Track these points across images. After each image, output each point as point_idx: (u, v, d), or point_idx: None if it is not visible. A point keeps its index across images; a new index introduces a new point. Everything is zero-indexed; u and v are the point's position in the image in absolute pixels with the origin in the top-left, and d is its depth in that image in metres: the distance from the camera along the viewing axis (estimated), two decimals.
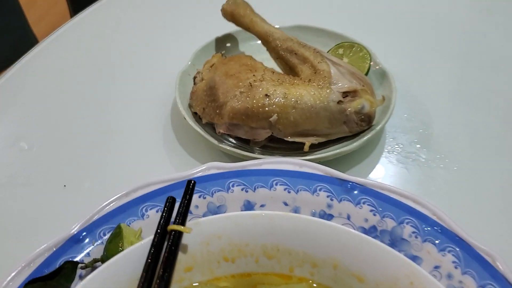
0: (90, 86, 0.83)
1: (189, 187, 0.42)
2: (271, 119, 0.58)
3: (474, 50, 0.87)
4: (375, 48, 0.75)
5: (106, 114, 0.77)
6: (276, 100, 0.58)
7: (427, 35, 0.91)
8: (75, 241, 0.50)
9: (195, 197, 0.53)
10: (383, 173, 0.64)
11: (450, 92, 0.78)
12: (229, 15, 0.74)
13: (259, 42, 0.74)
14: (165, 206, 0.40)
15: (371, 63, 0.72)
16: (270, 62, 0.72)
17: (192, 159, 0.66)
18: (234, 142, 0.64)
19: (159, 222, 0.40)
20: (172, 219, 0.42)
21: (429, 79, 0.80)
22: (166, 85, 0.76)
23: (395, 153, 0.66)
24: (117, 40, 0.94)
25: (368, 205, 0.52)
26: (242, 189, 0.54)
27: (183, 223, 0.40)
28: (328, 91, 0.59)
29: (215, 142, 0.61)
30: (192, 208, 0.53)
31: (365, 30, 0.88)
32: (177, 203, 0.45)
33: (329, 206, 0.52)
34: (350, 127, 0.61)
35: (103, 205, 0.52)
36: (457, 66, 0.83)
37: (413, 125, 0.70)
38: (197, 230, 0.40)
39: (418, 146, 0.67)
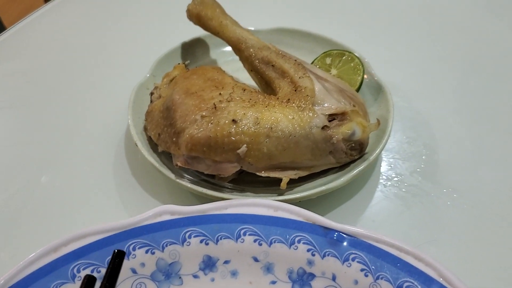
0: (31, 99, 0.73)
1: (115, 261, 0.32)
2: (239, 151, 0.48)
3: (485, 58, 0.79)
4: (369, 56, 0.66)
5: (43, 134, 0.68)
6: (246, 127, 0.48)
7: (429, 41, 0.83)
8: None
9: (141, 252, 0.44)
10: (378, 214, 0.55)
11: (459, 109, 0.69)
12: (195, 17, 0.65)
13: None
14: None
15: (365, 76, 0.62)
16: (245, 72, 0.64)
17: (147, 195, 0.57)
18: (197, 174, 0.55)
19: None
20: None
21: (433, 93, 0.72)
22: (122, 100, 0.66)
23: (392, 186, 0.57)
24: (70, 44, 0.84)
25: (358, 262, 0.43)
26: (201, 241, 0.45)
27: None
28: (310, 114, 0.50)
29: (173, 176, 0.52)
30: (137, 266, 0.44)
31: (358, 35, 0.80)
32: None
33: (310, 262, 0.44)
34: (338, 158, 0.52)
35: (22, 264, 0.42)
36: (465, 78, 0.75)
37: (415, 150, 0.62)
38: None
39: (420, 178, 0.58)
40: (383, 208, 0.55)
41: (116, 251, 0.32)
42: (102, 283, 0.31)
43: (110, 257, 0.44)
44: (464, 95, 0.71)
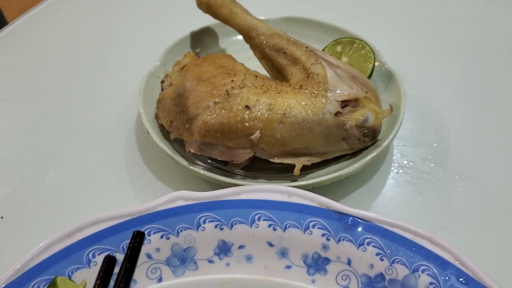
0: (38, 89, 0.73)
1: (135, 242, 0.32)
2: (252, 137, 0.48)
3: (495, 45, 0.78)
4: (380, 44, 0.66)
5: (54, 124, 0.68)
6: (259, 113, 0.48)
7: (437, 29, 0.83)
8: None
9: (156, 237, 0.44)
10: (390, 200, 0.55)
11: (468, 96, 0.69)
12: (205, 5, 0.65)
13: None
14: (100, 271, 0.31)
15: (376, 63, 0.62)
16: (255, 61, 0.63)
17: (159, 183, 0.57)
18: (210, 161, 0.55)
19: None
20: None
21: (442, 81, 0.72)
22: (132, 89, 0.66)
23: (404, 173, 0.57)
24: (78, 34, 0.84)
25: (374, 246, 0.43)
26: (216, 226, 0.45)
27: None
28: (323, 100, 0.50)
29: (185, 163, 0.52)
30: (152, 251, 0.44)
31: (368, 23, 0.80)
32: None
33: (325, 247, 0.44)
34: (351, 144, 0.52)
35: (37, 249, 0.42)
36: (474, 65, 0.75)
37: (426, 137, 0.61)
38: None
39: (432, 164, 0.58)
40: (395, 195, 0.55)
41: (135, 232, 0.32)
42: (122, 263, 0.31)
43: (125, 242, 0.44)
44: (473, 83, 0.71)
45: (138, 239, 0.32)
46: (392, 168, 0.58)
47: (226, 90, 0.51)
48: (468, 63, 0.75)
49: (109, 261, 0.31)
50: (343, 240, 0.44)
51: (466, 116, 0.65)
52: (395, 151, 0.60)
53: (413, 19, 0.85)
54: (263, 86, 0.52)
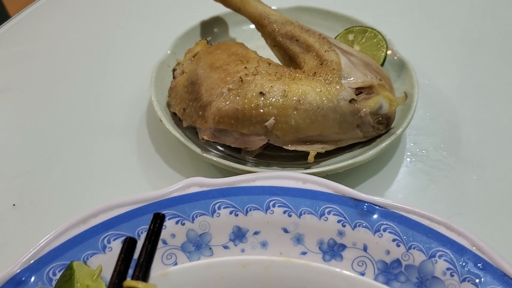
0: (50, 78, 0.73)
1: (156, 224, 0.32)
2: (267, 123, 0.48)
3: (506, 33, 0.77)
4: (391, 33, 0.66)
5: (65, 112, 0.67)
6: (273, 99, 0.48)
7: (452, 18, 0.82)
8: (16, 283, 0.40)
9: (171, 223, 0.44)
10: (404, 188, 0.54)
11: (479, 85, 0.69)
12: None
13: (253, 26, 0.65)
14: (121, 252, 0.31)
15: (388, 51, 0.62)
16: (266, 51, 0.63)
17: (171, 170, 0.57)
18: (222, 149, 0.54)
19: (111, 278, 0.30)
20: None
21: (452, 70, 0.72)
22: (142, 78, 0.66)
23: (417, 161, 0.57)
24: (87, 24, 0.84)
25: (390, 232, 0.43)
26: (230, 213, 0.45)
27: (144, 277, 0.31)
28: (338, 87, 0.50)
29: (198, 150, 0.52)
30: (167, 237, 0.44)
31: (379, 12, 0.79)
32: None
33: (341, 233, 0.44)
34: (365, 132, 0.52)
35: (52, 235, 0.42)
36: (485, 54, 0.74)
37: (438, 126, 0.61)
38: (165, 286, 0.31)
39: (445, 153, 0.58)
40: (409, 183, 0.55)
41: (156, 214, 0.32)
42: (143, 245, 0.31)
43: (140, 228, 0.44)
44: (484, 72, 0.71)
45: (159, 221, 0.32)
46: (405, 157, 0.57)
47: (240, 76, 0.50)
48: (479, 52, 0.74)
49: (130, 243, 0.31)
50: (359, 226, 0.43)
51: (477, 105, 0.65)
52: (408, 139, 0.60)
53: (423, 8, 0.84)
54: (276, 73, 0.51)
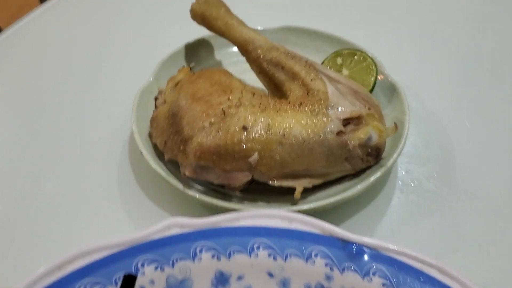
0: (23, 106, 0.71)
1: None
2: (250, 159, 0.46)
3: (502, 55, 0.76)
4: (381, 53, 0.65)
5: (40, 143, 0.65)
6: (257, 134, 0.46)
7: (444, 37, 0.81)
8: None
9: (150, 269, 0.42)
10: (396, 222, 0.53)
11: (474, 109, 0.67)
12: (199, 17, 0.63)
13: None
14: None
15: (379, 76, 0.60)
16: (252, 74, 0.61)
17: (153, 205, 0.55)
18: (206, 183, 0.53)
19: None
20: None
21: (446, 92, 0.70)
22: (124, 105, 0.64)
23: (409, 192, 0.55)
24: (68, 47, 0.82)
25: (379, 276, 0.41)
26: (212, 256, 0.43)
27: None
28: (324, 119, 0.48)
29: (180, 186, 0.50)
30: (146, 284, 0.42)
31: (369, 31, 0.78)
32: None
33: (328, 277, 0.42)
34: (354, 164, 0.50)
35: (23, 285, 0.40)
36: (480, 76, 0.73)
37: (431, 153, 0.60)
38: None
39: (438, 183, 0.56)
40: (400, 216, 0.53)
41: (125, 276, 0.30)
42: None
43: (118, 275, 0.42)
44: (479, 95, 0.69)
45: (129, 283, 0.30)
46: (397, 187, 0.56)
47: (222, 109, 0.49)
48: (474, 74, 0.73)
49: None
50: (347, 270, 0.42)
51: (472, 129, 0.63)
52: (399, 168, 0.58)
53: (415, 27, 0.83)
54: (261, 104, 0.50)
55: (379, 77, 0.61)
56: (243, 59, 0.63)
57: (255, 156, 0.46)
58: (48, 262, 0.40)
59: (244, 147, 0.46)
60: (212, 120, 0.48)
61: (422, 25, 0.83)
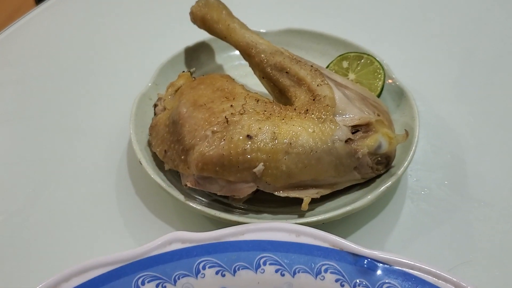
0: (17, 115, 0.69)
1: None
2: (255, 169, 0.44)
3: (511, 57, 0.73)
4: (387, 56, 0.63)
5: (36, 151, 0.62)
6: (262, 143, 0.44)
7: (451, 38, 0.79)
8: None
9: (151, 286, 0.40)
10: (407, 233, 0.51)
11: (484, 112, 0.65)
12: (200, 20, 0.61)
13: None
14: None
15: (388, 80, 0.58)
16: (254, 78, 0.60)
17: (153, 217, 0.53)
18: (209, 194, 0.51)
19: None
20: None
21: (454, 96, 0.68)
22: (121, 111, 0.62)
23: (420, 201, 0.53)
24: (64, 52, 0.80)
25: None
26: (217, 272, 0.41)
27: None
28: (332, 126, 0.46)
29: (182, 198, 0.48)
30: None
31: (374, 34, 0.76)
32: None
33: None
34: (363, 173, 0.48)
35: None
36: (490, 79, 0.71)
37: (441, 159, 0.58)
38: None
39: (449, 191, 0.54)
40: (411, 227, 0.51)
41: None
42: None
43: None
44: (489, 98, 0.67)
45: None
46: (407, 196, 0.54)
47: (225, 117, 0.47)
48: (484, 77, 0.71)
49: None
50: (359, 286, 0.40)
51: (483, 134, 0.61)
52: (409, 176, 0.56)
53: (420, 28, 0.81)
54: (265, 111, 0.48)
55: (387, 81, 0.59)
56: (244, 62, 0.61)
57: (260, 167, 0.44)
58: (42, 281, 0.39)
59: (249, 157, 0.44)
60: (215, 128, 0.46)
61: (428, 27, 0.81)
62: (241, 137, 0.45)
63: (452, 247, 0.49)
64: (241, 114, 0.47)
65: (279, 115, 0.47)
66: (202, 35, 0.66)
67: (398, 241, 0.50)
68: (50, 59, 0.78)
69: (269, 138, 0.45)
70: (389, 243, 0.50)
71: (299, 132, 0.45)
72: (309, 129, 0.46)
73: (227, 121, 0.46)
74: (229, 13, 0.61)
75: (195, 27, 0.64)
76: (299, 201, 0.47)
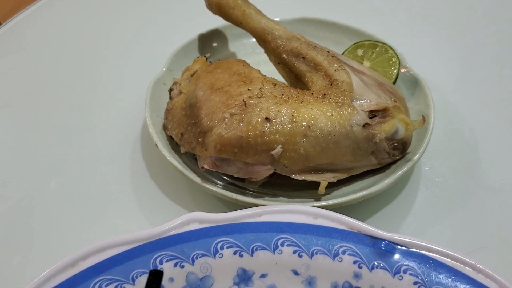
0: (37, 96, 0.69)
1: (151, 283, 0.28)
2: (273, 152, 0.44)
3: None
4: (400, 45, 0.63)
5: (53, 136, 0.63)
6: (281, 125, 0.44)
7: (464, 27, 0.79)
8: None
9: (169, 265, 0.41)
10: (422, 218, 0.51)
11: (496, 101, 0.66)
12: (215, 6, 0.61)
13: (254, 39, 0.61)
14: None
15: (402, 69, 0.58)
16: (269, 66, 0.60)
17: (169, 200, 0.53)
18: (224, 177, 0.51)
19: None
20: None
21: (467, 85, 0.69)
22: (136, 97, 0.62)
23: (434, 188, 0.54)
24: (78, 38, 0.80)
25: (410, 274, 0.40)
26: (234, 253, 0.42)
27: None
28: (350, 110, 0.46)
29: (198, 180, 0.48)
30: (165, 282, 0.40)
31: (387, 23, 0.76)
32: None
33: (357, 276, 0.40)
34: (380, 159, 0.48)
35: (35, 282, 0.38)
36: (502, 67, 0.71)
37: (455, 147, 0.58)
38: None
39: (464, 178, 0.54)
40: (426, 212, 0.51)
41: (151, 271, 0.29)
42: None
43: (135, 272, 0.40)
44: (501, 86, 0.67)
45: (156, 280, 0.28)
46: (421, 183, 0.54)
47: (243, 99, 0.47)
48: (496, 66, 0.71)
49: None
50: (376, 267, 0.40)
51: (496, 122, 0.62)
52: (423, 163, 0.56)
53: (433, 18, 0.81)
54: (283, 95, 0.48)
55: (402, 70, 0.59)
56: (257, 50, 0.61)
57: (278, 149, 0.44)
58: (60, 260, 0.39)
59: (267, 139, 0.44)
60: (233, 111, 0.46)
61: (441, 16, 0.81)
62: (259, 119, 0.45)
63: (467, 233, 0.49)
64: (259, 97, 0.47)
65: (296, 99, 0.47)
66: (216, 22, 0.66)
67: (413, 226, 0.50)
68: (63, 45, 0.78)
69: (287, 120, 0.45)
70: (404, 228, 0.50)
71: (318, 115, 0.45)
72: (327, 113, 0.46)
73: (245, 104, 0.46)
74: None
75: (208, 13, 0.64)
76: (314, 185, 0.47)
